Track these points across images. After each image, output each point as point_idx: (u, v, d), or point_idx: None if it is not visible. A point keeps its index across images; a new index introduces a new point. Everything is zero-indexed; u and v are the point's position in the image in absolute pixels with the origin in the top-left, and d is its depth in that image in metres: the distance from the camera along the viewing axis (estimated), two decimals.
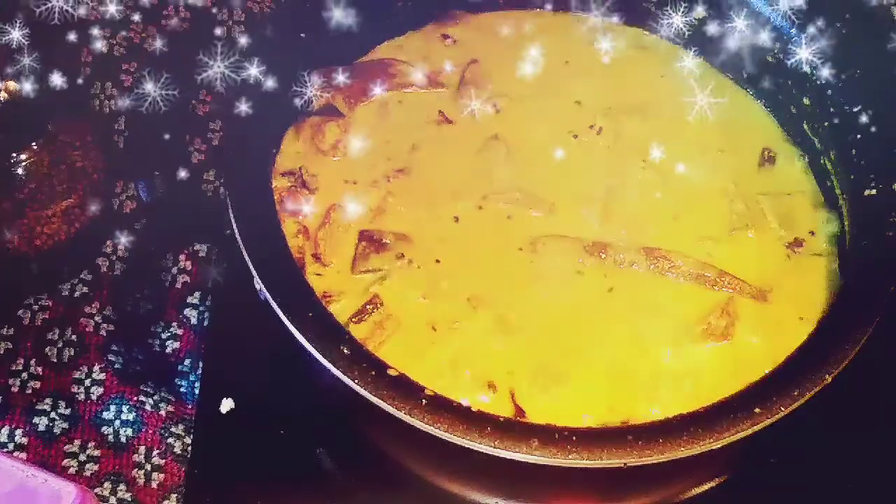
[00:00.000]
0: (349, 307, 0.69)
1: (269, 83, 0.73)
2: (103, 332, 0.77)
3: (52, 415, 0.73)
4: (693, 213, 0.75)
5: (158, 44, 0.87)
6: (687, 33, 0.84)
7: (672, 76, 0.83)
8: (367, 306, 0.68)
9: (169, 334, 0.77)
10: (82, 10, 0.74)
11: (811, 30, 0.79)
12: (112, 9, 0.85)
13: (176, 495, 0.71)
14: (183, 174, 0.84)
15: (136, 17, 0.88)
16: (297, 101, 0.77)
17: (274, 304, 0.63)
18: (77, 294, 0.78)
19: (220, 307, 0.78)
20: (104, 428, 0.73)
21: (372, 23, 0.82)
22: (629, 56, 0.84)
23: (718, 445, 0.60)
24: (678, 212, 0.75)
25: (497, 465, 0.59)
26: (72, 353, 0.76)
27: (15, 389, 0.74)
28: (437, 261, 0.72)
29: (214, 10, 0.90)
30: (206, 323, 0.78)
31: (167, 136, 0.84)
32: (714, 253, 0.73)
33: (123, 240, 0.81)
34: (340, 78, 0.79)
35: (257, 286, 0.65)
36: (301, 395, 0.70)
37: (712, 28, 0.83)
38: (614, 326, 0.69)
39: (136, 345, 0.77)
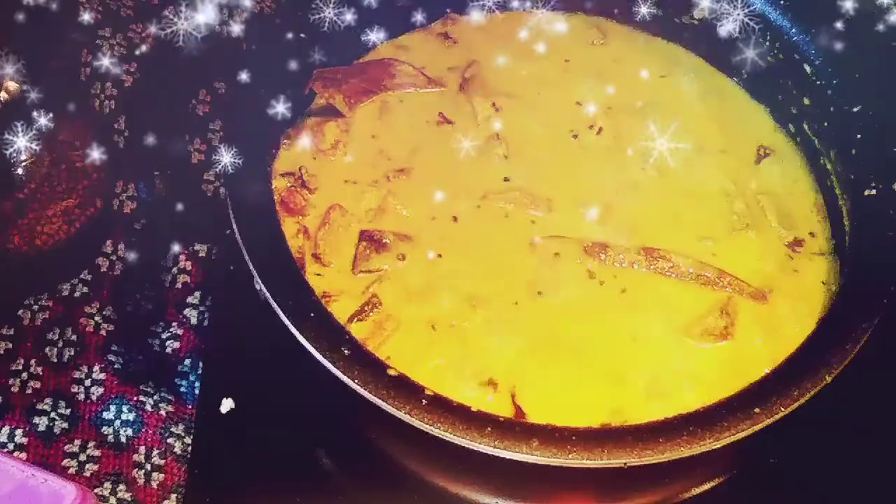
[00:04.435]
0: (349, 307, 0.69)
1: (270, 83, 0.73)
2: (103, 332, 0.77)
3: (52, 415, 0.73)
4: (693, 212, 0.75)
5: (158, 44, 0.87)
6: (687, 33, 0.84)
7: (672, 76, 0.83)
8: (367, 306, 0.68)
9: (169, 334, 0.77)
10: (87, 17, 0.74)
11: (811, 30, 0.79)
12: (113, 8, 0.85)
13: (176, 495, 0.71)
14: (183, 174, 0.84)
15: (137, 17, 0.88)
16: (297, 101, 0.77)
17: (274, 305, 0.63)
18: (77, 294, 0.78)
19: (220, 307, 0.78)
20: (104, 428, 0.73)
21: (372, 23, 0.82)
22: (629, 56, 0.84)
23: (718, 445, 0.60)
24: (678, 212, 0.75)
25: (497, 465, 0.60)
26: (72, 353, 0.76)
27: (15, 389, 0.74)
28: (439, 255, 0.72)
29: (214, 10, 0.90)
30: (206, 323, 0.78)
31: (167, 137, 0.84)
32: (714, 253, 0.73)
33: (123, 240, 0.81)
34: (340, 78, 0.79)
35: (257, 286, 0.65)
36: (301, 395, 0.70)
37: (712, 28, 0.83)
38: (614, 326, 0.69)
39: (136, 345, 0.77)
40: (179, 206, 0.82)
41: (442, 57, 0.83)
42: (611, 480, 0.67)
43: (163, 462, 0.72)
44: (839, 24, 0.77)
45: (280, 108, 0.74)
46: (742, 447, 0.62)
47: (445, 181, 0.76)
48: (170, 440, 0.73)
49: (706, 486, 0.70)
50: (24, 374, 0.75)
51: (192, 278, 0.80)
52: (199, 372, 0.75)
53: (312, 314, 0.64)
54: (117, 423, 0.73)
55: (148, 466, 0.72)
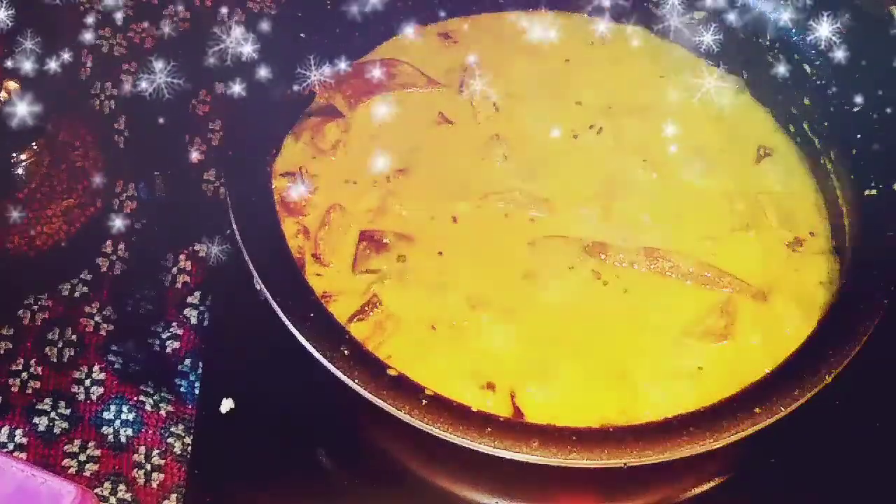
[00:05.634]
0: (349, 307, 0.69)
1: (270, 83, 0.73)
2: (103, 332, 0.77)
3: (52, 415, 0.73)
4: (693, 212, 0.75)
5: (158, 44, 0.88)
6: (687, 33, 0.84)
7: (672, 76, 0.83)
8: (367, 306, 0.68)
9: (169, 334, 0.77)
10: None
11: (811, 30, 0.79)
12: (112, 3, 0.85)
13: (176, 495, 0.71)
14: (183, 174, 0.84)
15: (137, 17, 0.88)
16: (298, 102, 0.77)
17: (274, 304, 0.63)
18: (77, 294, 0.78)
19: (220, 307, 0.78)
20: (104, 428, 0.73)
21: (372, 23, 0.82)
22: (629, 56, 0.84)
23: (718, 445, 0.60)
24: (678, 212, 0.75)
25: (497, 465, 0.59)
26: (72, 353, 0.76)
27: (15, 389, 0.74)
28: (440, 252, 0.72)
29: (214, 10, 0.90)
30: (206, 323, 0.78)
31: (167, 137, 0.84)
32: (715, 253, 0.73)
33: (123, 240, 0.81)
34: (341, 78, 0.79)
35: (257, 286, 0.65)
36: (301, 395, 0.70)
37: (712, 28, 0.83)
38: (614, 326, 0.69)
39: (136, 345, 0.77)
40: (179, 206, 0.82)
41: (442, 57, 0.83)
42: (611, 480, 0.67)
43: (163, 462, 0.72)
44: (839, 25, 0.77)
45: (280, 107, 0.74)
46: (742, 447, 0.62)
47: (445, 181, 0.76)
48: (170, 440, 0.73)
49: (706, 486, 0.70)
50: (24, 374, 0.75)
51: (192, 278, 0.80)
52: (199, 372, 0.75)
53: (312, 314, 0.64)
54: (117, 423, 0.73)
55: (148, 466, 0.72)
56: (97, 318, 0.77)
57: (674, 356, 0.68)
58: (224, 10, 0.91)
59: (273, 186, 0.73)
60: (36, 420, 0.73)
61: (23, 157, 0.76)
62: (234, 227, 0.67)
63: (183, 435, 0.73)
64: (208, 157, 0.86)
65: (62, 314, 0.77)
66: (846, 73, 0.77)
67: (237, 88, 0.72)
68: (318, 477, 0.71)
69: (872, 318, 0.64)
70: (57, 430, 0.73)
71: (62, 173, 0.78)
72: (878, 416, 0.73)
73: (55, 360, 0.75)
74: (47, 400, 0.74)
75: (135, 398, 0.74)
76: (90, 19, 0.85)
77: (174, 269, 0.80)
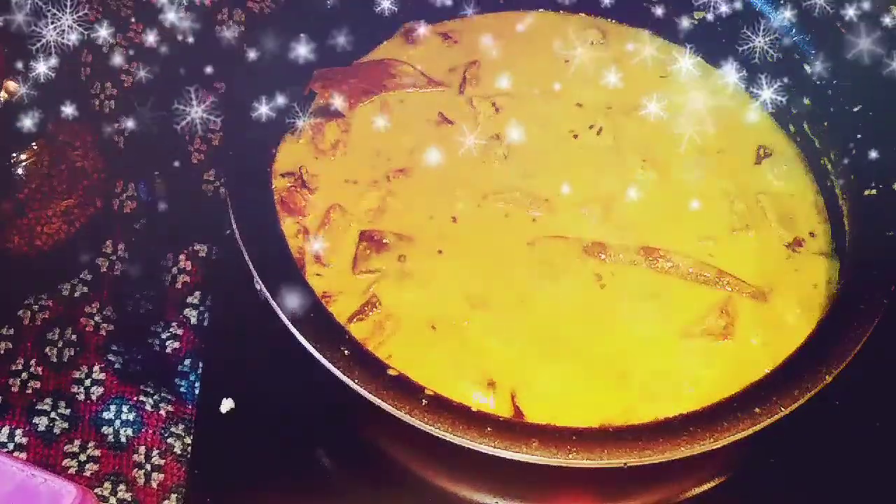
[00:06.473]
0: (349, 307, 0.69)
1: (269, 83, 0.73)
2: (103, 332, 0.77)
3: (52, 415, 0.73)
4: (693, 213, 0.75)
5: (159, 43, 0.87)
6: (687, 33, 0.84)
7: (672, 76, 0.83)
8: (367, 306, 0.68)
9: (169, 334, 0.77)
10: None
11: (812, 30, 0.79)
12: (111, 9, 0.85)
13: (176, 495, 0.71)
14: (183, 174, 0.84)
15: (136, 17, 0.88)
16: (298, 102, 0.77)
17: (274, 304, 0.63)
18: (77, 294, 0.78)
19: (220, 307, 0.78)
20: (104, 428, 0.73)
21: (372, 23, 0.82)
22: (629, 56, 0.84)
23: (718, 445, 0.60)
24: (678, 212, 0.75)
25: (497, 465, 0.60)
26: (72, 353, 0.76)
27: (15, 389, 0.74)
28: (440, 252, 0.72)
29: (215, 10, 0.90)
30: (206, 323, 0.78)
31: (167, 137, 0.84)
32: (715, 253, 0.73)
33: (123, 240, 0.81)
34: (341, 77, 0.79)
35: (257, 286, 0.65)
36: (301, 395, 0.70)
37: (712, 28, 0.83)
38: (614, 326, 0.69)
39: (136, 345, 0.77)
40: (179, 206, 0.82)
41: (442, 57, 0.83)
42: (611, 480, 0.67)
43: (163, 462, 0.72)
44: (839, 25, 0.77)
45: (280, 108, 0.74)
46: (742, 447, 0.62)
47: (445, 181, 0.76)
48: (170, 440, 0.73)
49: (706, 486, 0.70)
50: (24, 374, 0.75)
51: (192, 278, 0.80)
52: (199, 372, 0.75)
53: (312, 314, 0.64)
54: (117, 423, 0.73)
55: (148, 466, 0.72)
56: (97, 318, 0.77)
57: (674, 356, 0.68)
58: (224, 10, 0.91)
59: (273, 186, 0.73)
60: (36, 420, 0.73)
61: (23, 157, 0.76)
62: (234, 227, 0.67)
63: (183, 435, 0.73)
64: (208, 157, 0.85)
65: (62, 314, 0.77)
66: (846, 73, 0.77)
67: (237, 88, 0.73)
68: (318, 477, 0.71)
69: (872, 318, 0.64)
70: (57, 430, 0.73)
71: (62, 173, 0.78)
72: (878, 416, 0.73)
73: (55, 360, 0.75)
74: (47, 400, 0.74)
75: (135, 398, 0.74)
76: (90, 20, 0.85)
77: (174, 269, 0.80)
